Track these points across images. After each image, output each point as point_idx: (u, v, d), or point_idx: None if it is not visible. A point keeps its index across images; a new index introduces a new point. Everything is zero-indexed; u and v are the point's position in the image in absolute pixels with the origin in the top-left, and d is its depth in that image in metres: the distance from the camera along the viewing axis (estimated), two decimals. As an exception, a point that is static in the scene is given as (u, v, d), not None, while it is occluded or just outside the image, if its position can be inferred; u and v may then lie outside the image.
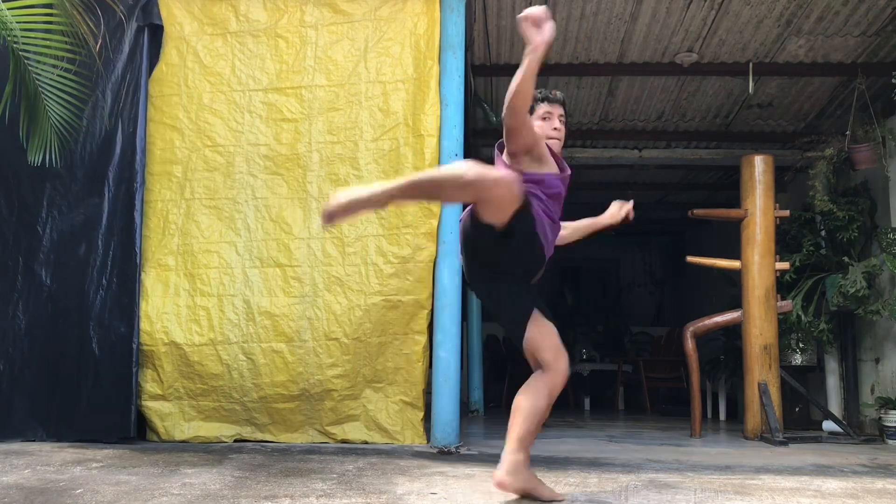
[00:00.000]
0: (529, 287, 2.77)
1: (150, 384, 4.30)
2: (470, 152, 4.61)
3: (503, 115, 2.65)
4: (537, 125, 2.83)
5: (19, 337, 4.32)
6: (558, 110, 2.87)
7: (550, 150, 2.81)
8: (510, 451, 2.50)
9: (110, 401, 4.16)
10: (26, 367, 4.29)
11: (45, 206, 4.45)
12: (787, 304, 5.54)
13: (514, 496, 2.59)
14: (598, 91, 6.37)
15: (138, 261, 4.34)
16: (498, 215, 2.47)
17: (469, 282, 2.85)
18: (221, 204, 4.48)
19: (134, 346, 4.23)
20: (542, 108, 2.85)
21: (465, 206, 2.72)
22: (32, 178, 4.43)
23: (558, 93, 2.93)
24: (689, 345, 5.49)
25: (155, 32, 4.62)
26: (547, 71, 5.94)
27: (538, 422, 2.58)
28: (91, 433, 4.13)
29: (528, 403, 2.56)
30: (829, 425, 5.66)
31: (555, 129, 2.85)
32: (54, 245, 4.41)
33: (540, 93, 2.88)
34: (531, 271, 2.76)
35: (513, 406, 2.59)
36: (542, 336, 2.66)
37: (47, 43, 3.91)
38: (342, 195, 2.39)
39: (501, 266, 2.70)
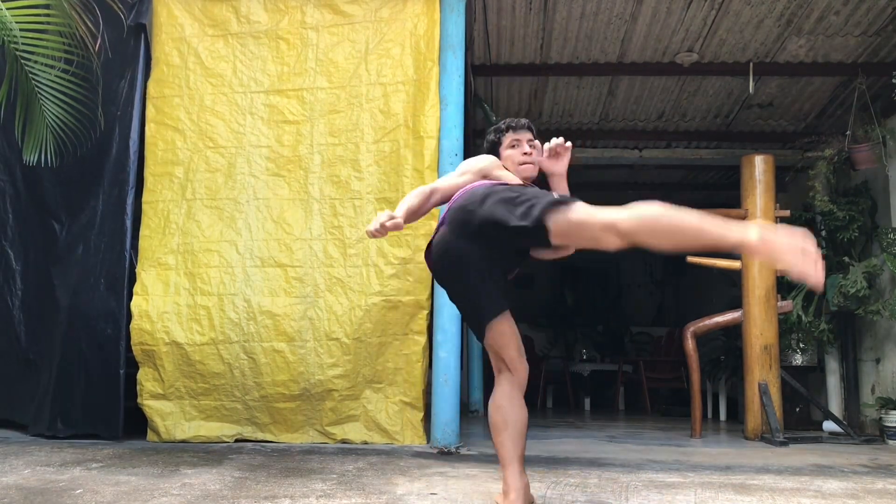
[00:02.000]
0: (506, 284, 2.74)
1: (150, 383, 4.30)
2: (470, 153, 4.60)
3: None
4: (507, 154, 2.84)
5: (42, 336, 4.41)
6: (526, 135, 2.88)
7: (517, 176, 2.82)
8: (520, 473, 2.42)
9: (99, 401, 4.18)
10: (41, 365, 4.38)
11: (64, 209, 4.52)
12: (787, 304, 5.54)
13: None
14: (599, 91, 6.38)
15: (127, 264, 4.33)
16: (576, 246, 2.47)
17: (447, 269, 2.63)
18: (223, 204, 4.48)
19: (121, 348, 4.23)
20: (509, 137, 2.86)
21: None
22: (52, 182, 4.52)
23: (522, 119, 2.95)
24: (690, 345, 5.49)
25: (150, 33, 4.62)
26: (547, 71, 5.95)
27: (525, 430, 2.53)
28: (82, 432, 4.15)
29: (515, 417, 2.48)
30: (829, 425, 5.66)
31: (524, 153, 2.84)
32: (64, 247, 4.46)
33: (504, 123, 2.91)
34: (514, 268, 2.75)
35: (497, 422, 2.47)
36: (513, 334, 2.59)
37: (45, 43, 3.91)
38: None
39: (502, 258, 2.61)
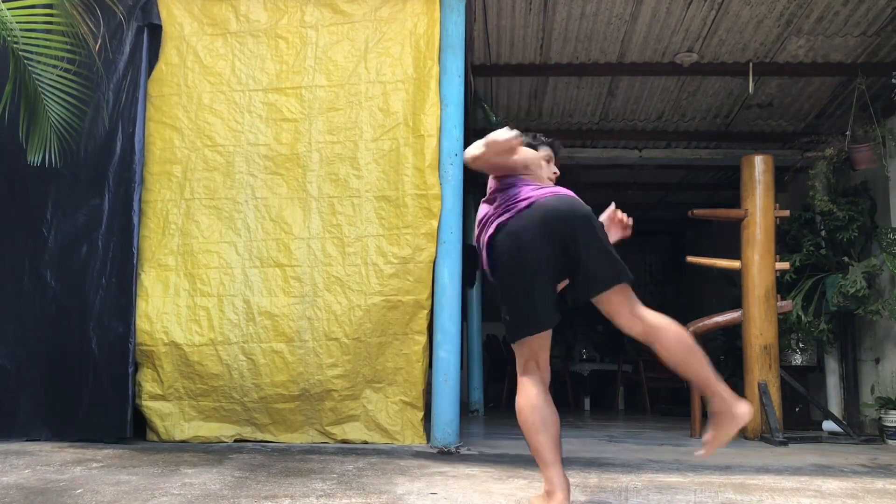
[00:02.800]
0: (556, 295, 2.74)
1: (150, 384, 4.30)
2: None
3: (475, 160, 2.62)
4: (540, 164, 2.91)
5: (27, 337, 4.33)
6: (555, 158, 2.97)
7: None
8: (563, 473, 2.38)
9: (108, 401, 4.17)
10: (33, 367, 4.31)
11: (50, 208, 4.45)
12: (787, 304, 5.54)
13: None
14: (598, 91, 6.38)
15: (135, 261, 4.34)
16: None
17: (514, 258, 2.58)
18: (221, 204, 4.48)
19: (130, 346, 4.23)
20: (545, 151, 2.91)
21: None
22: (38, 180, 4.43)
23: (558, 142, 3.03)
24: (689, 345, 5.48)
25: (154, 32, 4.63)
26: (547, 71, 5.95)
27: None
28: (90, 433, 4.14)
29: (554, 418, 2.45)
30: (829, 425, 5.66)
31: (554, 172, 2.92)
32: (58, 246, 4.41)
33: (546, 138, 2.97)
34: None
35: (536, 421, 2.43)
36: (548, 338, 2.63)
37: (47, 43, 3.90)
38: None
39: (560, 273, 2.64)
